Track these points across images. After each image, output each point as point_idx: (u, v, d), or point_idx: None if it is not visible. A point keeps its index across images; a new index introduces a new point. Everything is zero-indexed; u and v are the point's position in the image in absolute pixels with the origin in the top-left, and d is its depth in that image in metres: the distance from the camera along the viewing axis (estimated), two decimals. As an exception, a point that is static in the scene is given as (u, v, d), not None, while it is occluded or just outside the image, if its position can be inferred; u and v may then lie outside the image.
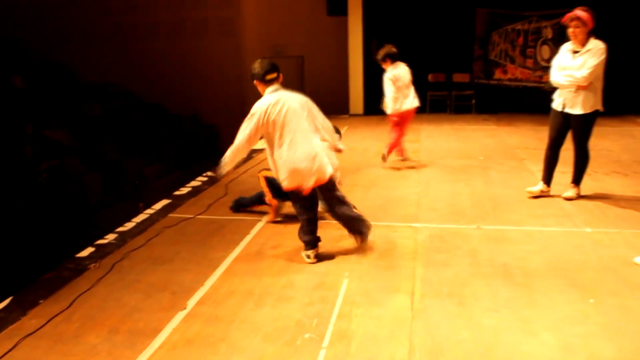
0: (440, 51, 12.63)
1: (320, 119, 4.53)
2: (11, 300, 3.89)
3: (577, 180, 5.89)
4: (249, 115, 4.24)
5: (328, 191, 4.46)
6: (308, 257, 4.45)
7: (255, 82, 4.38)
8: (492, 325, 3.36)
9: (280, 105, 4.22)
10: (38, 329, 3.48)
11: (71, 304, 3.79)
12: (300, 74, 14.11)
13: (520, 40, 12.08)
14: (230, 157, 4.30)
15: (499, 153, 8.38)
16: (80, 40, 13.88)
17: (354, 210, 4.55)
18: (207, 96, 13.73)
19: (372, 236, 4.57)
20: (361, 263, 4.37)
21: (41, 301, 3.88)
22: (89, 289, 4.01)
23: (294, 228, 5.11)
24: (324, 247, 4.64)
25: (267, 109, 4.18)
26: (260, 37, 13.81)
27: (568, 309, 3.53)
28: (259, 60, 4.40)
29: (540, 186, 6.07)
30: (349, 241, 4.81)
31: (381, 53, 7.31)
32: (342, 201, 4.49)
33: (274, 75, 4.34)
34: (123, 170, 10.48)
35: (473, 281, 4.00)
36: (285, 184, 4.33)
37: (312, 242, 4.48)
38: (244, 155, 4.42)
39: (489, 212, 5.61)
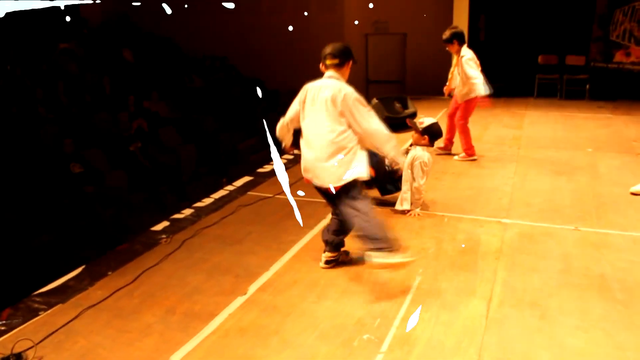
0: (553, 30, 11.62)
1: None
2: (83, 269, 3.96)
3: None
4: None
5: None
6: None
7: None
8: (578, 347, 2.93)
9: None
10: (101, 301, 3.50)
11: (136, 278, 3.79)
12: (402, 52, 13.62)
13: (649, 19, 10.84)
14: None
15: (611, 145, 7.57)
16: (186, 14, 14.23)
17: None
18: (307, 72, 13.56)
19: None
20: (438, 260, 4.04)
21: (110, 273, 3.92)
22: (155, 265, 4.00)
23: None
24: (400, 238, 4.36)
25: None
26: (362, 13, 13.47)
27: (674, 337, 3.02)
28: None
29: None
30: (427, 234, 4.49)
31: (448, 33, 6.55)
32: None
33: (335, 61, 3.75)
34: (218, 143, 10.66)
35: (562, 291, 3.55)
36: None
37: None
38: None
39: (591, 212, 5.02)
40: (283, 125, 3.98)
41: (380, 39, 13.77)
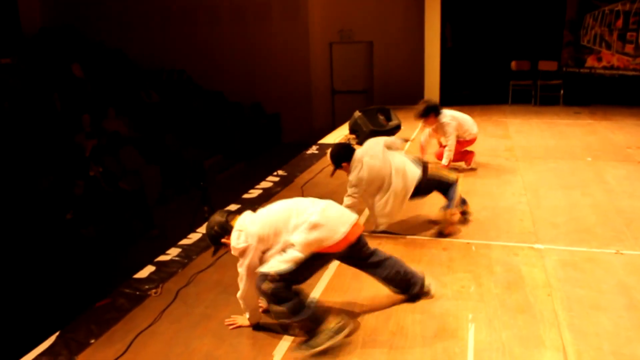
0: (525, 36, 11.37)
1: None
2: (57, 338, 3.17)
3: None
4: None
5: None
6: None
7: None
8: None
9: None
10: (87, 385, 2.74)
11: (128, 347, 3.03)
12: (368, 60, 13.15)
13: (620, 22, 10.72)
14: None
15: (607, 153, 7.24)
16: (139, 25, 13.37)
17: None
18: (270, 83, 13.01)
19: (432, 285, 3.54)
20: (484, 300, 3.46)
21: (92, 341, 3.14)
22: (149, 326, 3.25)
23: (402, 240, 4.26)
24: (432, 274, 3.75)
25: None
26: (327, 21, 12.95)
27: None
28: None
29: None
30: (460, 267, 3.91)
31: (422, 107, 6.05)
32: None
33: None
34: (183, 162, 9.87)
35: (641, 335, 3.03)
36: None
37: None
38: None
39: (623, 231, 4.58)
40: None
41: (346, 48, 13.27)
